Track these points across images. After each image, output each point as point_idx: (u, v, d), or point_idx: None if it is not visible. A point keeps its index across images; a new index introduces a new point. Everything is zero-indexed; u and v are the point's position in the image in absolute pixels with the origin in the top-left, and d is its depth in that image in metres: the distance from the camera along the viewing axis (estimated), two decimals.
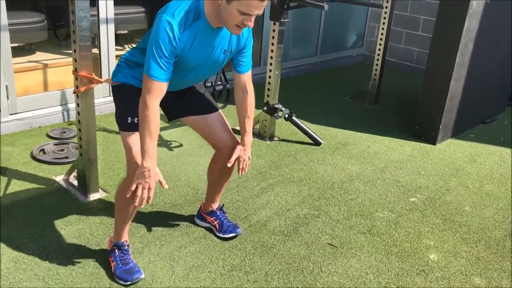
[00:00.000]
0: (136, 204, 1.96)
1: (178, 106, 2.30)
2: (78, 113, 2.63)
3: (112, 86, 2.21)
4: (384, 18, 4.47)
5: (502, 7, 3.94)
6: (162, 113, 2.15)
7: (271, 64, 3.58)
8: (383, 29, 4.51)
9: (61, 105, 3.76)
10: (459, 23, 3.56)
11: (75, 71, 2.55)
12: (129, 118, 2.05)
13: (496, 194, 3.19)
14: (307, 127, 3.75)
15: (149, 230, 2.53)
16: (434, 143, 3.88)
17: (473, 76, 3.88)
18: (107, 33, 3.80)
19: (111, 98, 3.89)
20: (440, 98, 3.77)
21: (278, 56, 3.56)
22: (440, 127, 3.83)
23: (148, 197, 1.94)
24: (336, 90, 5.11)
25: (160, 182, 1.97)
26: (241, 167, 2.29)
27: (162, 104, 1.99)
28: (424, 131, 3.94)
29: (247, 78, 2.21)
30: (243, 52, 2.13)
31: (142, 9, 4.50)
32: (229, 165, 2.23)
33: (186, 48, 1.90)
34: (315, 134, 3.75)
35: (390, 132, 4.07)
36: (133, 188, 1.93)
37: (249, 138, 2.29)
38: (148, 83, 1.88)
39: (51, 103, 3.73)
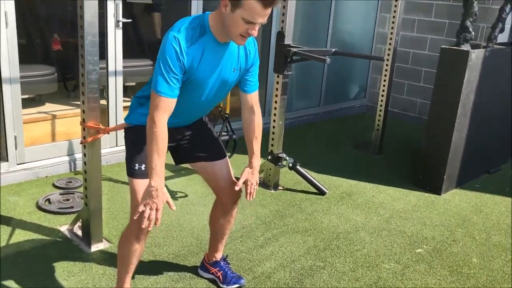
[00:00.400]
0: (144, 226, 1.90)
1: (188, 151, 2.30)
2: (85, 163, 2.66)
3: (124, 128, 2.21)
4: (386, 70, 4.57)
5: (501, 58, 4.03)
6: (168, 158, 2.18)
7: (275, 114, 3.64)
8: (384, 80, 4.60)
9: (68, 155, 3.81)
10: (459, 75, 3.64)
11: (82, 122, 2.60)
12: (136, 165, 2.06)
13: (503, 245, 3.15)
14: (311, 177, 3.76)
15: (152, 281, 2.50)
16: (439, 193, 3.86)
17: (475, 126, 3.92)
18: (115, 85, 3.90)
19: (118, 148, 3.98)
20: (443, 148, 3.80)
21: (282, 107, 3.63)
22: (445, 177, 3.83)
23: (156, 219, 1.89)
24: (339, 139, 5.15)
25: (168, 203, 1.92)
26: (248, 191, 2.22)
27: (172, 146, 1.99)
28: (428, 181, 3.93)
29: (254, 98, 2.21)
30: (251, 71, 2.14)
31: (150, 62, 4.63)
32: (236, 188, 2.18)
33: (194, 64, 1.91)
34: (320, 183, 3.75)
35: (395, 182, 4.06)
36: (140, 209, 1.89)
37: (257, 160, 2.24)
38: (155, 100, 1.88)
39: (58, 153, 3.77)
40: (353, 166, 4.40)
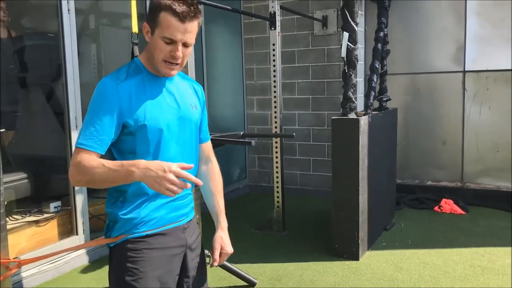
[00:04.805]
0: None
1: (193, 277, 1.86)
2: None
3: (109, 248, 1.73)
4: (276, 148, 4.66)
5: (379, 122, 4.40)
6: None
7: None
8: (277, 157, 4.67)
9: None
10: (354, 142, 3.84)
11: None
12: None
13: None
14: (237, 268, 3.51)
15: None
16: (357, 259, 3.91)
17: (372, 187, 4.14)
18: None
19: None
20: (353, 213, 3.90)
21: (197, 199, 3.39)
22: (359, 241, 3.91)
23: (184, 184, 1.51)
24: (239, 224, 4.99)
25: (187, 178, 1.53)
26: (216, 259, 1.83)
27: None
28: (345, 249, 3.96)
29: (209, 146, 1.98)
30: (203, 116, 1.93)
31: (24, 175, 4.03)
32: (215, 264, 1.80)
33: (140, 100, 1.65)
34: (247, 274, 3.51)
35: (313, 256, 4.01)
36: (165, 190, 1.49)
37: (225, 221, 1.90)
38: (76, 155, 1.58)
39: None
40: (266, 249, 4.25)
